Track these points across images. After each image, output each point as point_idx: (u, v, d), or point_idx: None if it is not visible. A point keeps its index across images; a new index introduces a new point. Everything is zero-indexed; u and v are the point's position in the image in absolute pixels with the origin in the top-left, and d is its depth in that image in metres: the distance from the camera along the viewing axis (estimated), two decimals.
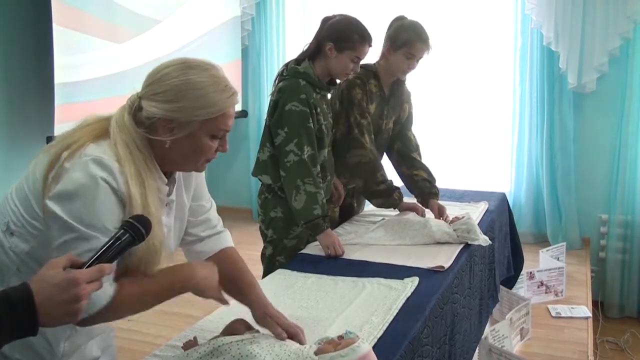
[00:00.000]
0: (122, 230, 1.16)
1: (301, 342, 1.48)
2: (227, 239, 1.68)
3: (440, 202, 3.12)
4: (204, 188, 1.67)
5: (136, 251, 1.30)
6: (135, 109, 1.37)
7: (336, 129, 2.73)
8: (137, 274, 1.34)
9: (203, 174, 1.64)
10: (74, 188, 1.26)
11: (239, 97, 6.13)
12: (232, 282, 1.61)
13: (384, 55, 2.76)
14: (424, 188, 2.88)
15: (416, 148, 2.99)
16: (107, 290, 1.28)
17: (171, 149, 1.38)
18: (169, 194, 1.48)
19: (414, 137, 3.01)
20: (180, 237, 1.61)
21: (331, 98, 2.78)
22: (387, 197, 2.74)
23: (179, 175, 1.53)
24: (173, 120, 1.35)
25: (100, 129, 1.37)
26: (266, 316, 1.53)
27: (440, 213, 2.78)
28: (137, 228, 1.17)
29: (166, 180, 1.45)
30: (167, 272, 1.40)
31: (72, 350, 1.46)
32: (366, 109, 2.71)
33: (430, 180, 2.91)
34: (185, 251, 1.67)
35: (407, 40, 2.66)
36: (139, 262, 1.33)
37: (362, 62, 2.72)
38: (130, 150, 1.33)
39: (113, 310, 1.29)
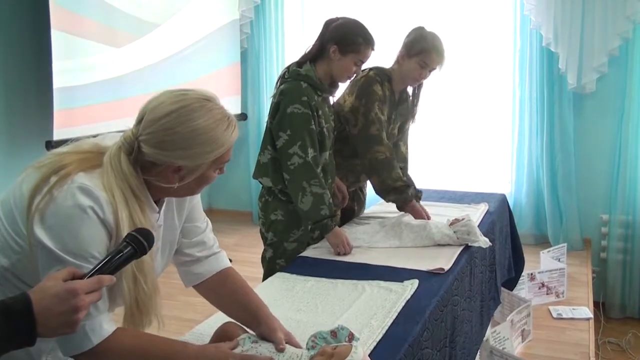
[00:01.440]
0: (124, 243, 1.15)
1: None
2: (224, 260, 1.66)
3: (441, 204, 3.12)
4: (199, 209, 1.65)
5: (126, 291, 1.29)
6: (135, 151, 1.33)
7: (351, 125, 2.73)
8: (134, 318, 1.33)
9: (198, 196, 1.62)
10: (62, 218, 1.24)
11: (238, 100, 6.11)
12: (237, 303, 1.60)
13: (398, 61, 2.78)
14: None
15: (402, 160, 2.98)
16: (105, 326, 1.26)
17: (178, 187, 1.37)
18: (157, 220, 1.46)
19: (406, 149, 3.02)
20: (168, 260, 1.59)
21: (342, 94, 2.78)
22: (400, 193, 2.73)
23: (169, 199, 1.50)
24: (183, 167, 1.34)
25: (93, 160, 1.33)
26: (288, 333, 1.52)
27: (418, 215, 2.75)
28: (139, 241, 1.16)
29: (157, 209, 1.44)
30: (175, 343, 1.38)
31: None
32: (384, 107, 2.73)
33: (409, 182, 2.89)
34: (182, 273, 1.64)
35: (423, 49, 2.68)
36: (129, 294, 1.31)
37: (376, 65, 2.75)
38: (126, 198, 1.30)
39: (104, 353, 1.26)
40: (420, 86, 2.91)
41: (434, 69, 2.73)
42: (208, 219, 1.69)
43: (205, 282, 1.62)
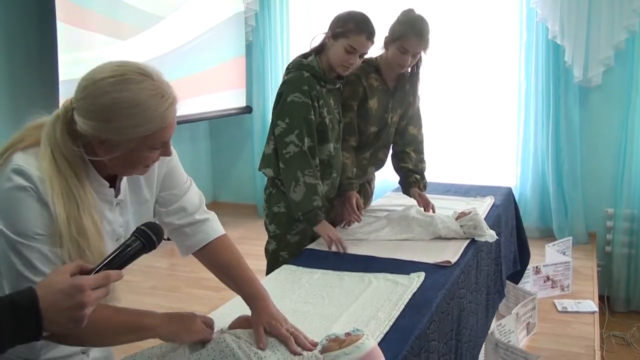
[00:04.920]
0: (133, 237, 1.15)
1: (304, 346, 1.45)
2: (211, 230, 1.60)
3: (447, 197, 3.10)
4: (176, 176, 1.58)
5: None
6: (69, 119, 1.29)
7: None
8: None
9: (173, 162, 1.56)
10: (4, 203, 1.24)
11: (243, 93, 6.10)
12: (225, 276, 1.59)
13: (384, 48, 2.69)
14: (406, 177, 2.87)
15: (411, 143, 2.91)
16: None
17: (109, 162, 1.32)
18: (116, 195, 1.44)
19: (417, 132, 2.93)
20: None
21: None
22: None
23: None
24: (107, 141, 1.28)
25: (33, 138, 1.31)
26: (270, 324, 1.47)
27: (423, 203, 2.76)
28: (148, 235, 1.15)
29: (107, 184, 1.40)
30: (141, 312, 1.36)
31: (52, 342, 1.40)
32: (352, 107, 2.67)
33: (415, 170, 2.87)
34: (176, 243, 1.62)
35: (401, 34, 2.57)
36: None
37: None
38: (59, 167, 1.27)
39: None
40: (415, 73, 2.81)
41: (417, 53, 2.62)
42: (191, 186, 1.62)
43: (198, 253, 1.60)
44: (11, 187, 1.25)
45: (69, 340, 1.28)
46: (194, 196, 1.62)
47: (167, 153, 1.38)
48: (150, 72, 1.30)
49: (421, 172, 2.91)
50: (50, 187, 1.25)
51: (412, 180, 2.86)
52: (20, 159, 1.27)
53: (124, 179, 1.46)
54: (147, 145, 1.31)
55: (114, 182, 1.43)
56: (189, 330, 1.38)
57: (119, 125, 1.26)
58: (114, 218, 1.44)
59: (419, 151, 2.94)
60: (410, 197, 2.87)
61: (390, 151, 2.97)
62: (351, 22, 2.41)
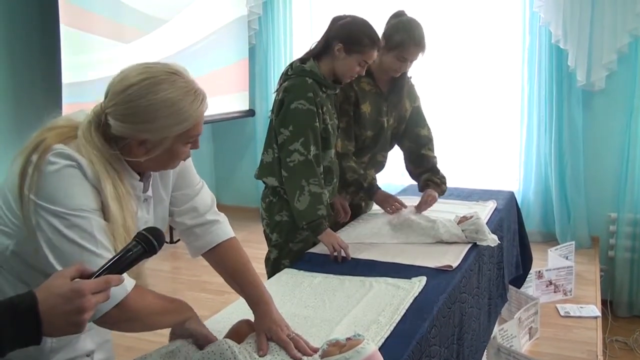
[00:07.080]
0: (134, 242, 1.15)
1: (304, 351, 1.46)
2: (221, 232, 1.63)
3: (449, 201, 3.10)
4: (189, 176, 1.62)
5: None
6: (102, 124, 1.33)
7: None
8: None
9: (187, 162, 1.58)
10: (52, 183, 1.26)
11: (246, 96, 6.11)
12: (231, 279, 1.61)
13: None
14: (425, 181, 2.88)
15: (426, 142, 2.92)
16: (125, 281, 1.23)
17: (145, 162, 1.37)
18: (144, 191, 1.47)
19: (427, 130, 2.93)
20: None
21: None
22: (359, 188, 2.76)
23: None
24: (147, 141, 1.33)
25: (68, 133, 1.34)
26: (271, 329, 1.50)
27: (421, 203, 2.77)
28: (149, 240, 1.15)
29: (138, 177, 1.43)
30: (176, 299, 1.43)
31: (61, 345, 1.44)
32: (347, 111, 2.67)
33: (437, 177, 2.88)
34: (186, 244, 1.65)
35: (400, 42, 2.57)
36: None
37: None
38: (105, 167, 1.31)
39: (129, 309, 1.27)
40: (404, 74, 2.77)
41: (415, 59, 2.63)
42: (203, 187, 1.66)
43: (206, 255, 1.63)
44: (58, 168, 1.26)
45: (123, 325, 1.32)
46: (206, 197, 1.65)
47: (197, 146, 1.44)
48: (179, 69, 1.36)
49: (439, 178, 2.91)
50: (105, 188, 1.29)
51: (432, 181, 2.88)
52: (60, 147, 1.29)
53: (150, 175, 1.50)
54: (183, 141, 1.37)
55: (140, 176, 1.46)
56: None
57: (158, 126, 1.31)
58: (141, 214, 1.47)
59: (432, 148, 2.95)
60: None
61: (404, 153, 2.97)
62: (365, 38, 2.38)
